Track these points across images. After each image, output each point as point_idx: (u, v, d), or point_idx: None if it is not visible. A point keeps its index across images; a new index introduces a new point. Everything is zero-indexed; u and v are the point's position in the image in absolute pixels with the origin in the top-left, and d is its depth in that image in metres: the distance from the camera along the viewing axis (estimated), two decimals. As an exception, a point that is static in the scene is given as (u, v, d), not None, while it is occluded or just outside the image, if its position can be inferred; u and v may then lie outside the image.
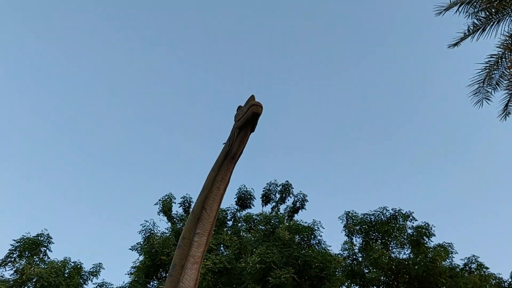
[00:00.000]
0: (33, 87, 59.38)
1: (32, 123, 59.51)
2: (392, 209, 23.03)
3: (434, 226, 22.33)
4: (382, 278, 22.02)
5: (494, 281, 21.85)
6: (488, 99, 19.65)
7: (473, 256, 22.48)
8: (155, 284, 22.10)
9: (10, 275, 21.60)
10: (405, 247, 22.71)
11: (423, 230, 22.09)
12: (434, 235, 22.19)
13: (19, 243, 21.96)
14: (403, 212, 22.83)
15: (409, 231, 22.59)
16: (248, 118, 6.75)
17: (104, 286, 23.39)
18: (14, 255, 21.88)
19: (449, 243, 22.33)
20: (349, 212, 23.76)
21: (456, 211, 55.24)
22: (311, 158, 61.69)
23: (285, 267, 18.72)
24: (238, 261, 21.13)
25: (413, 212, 22.90)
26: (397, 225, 22.82)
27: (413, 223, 22.77)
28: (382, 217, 22.94)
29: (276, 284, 18.00)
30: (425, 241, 21.97)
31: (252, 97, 7.03)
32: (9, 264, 21.75)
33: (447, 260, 22.10)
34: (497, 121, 20.39)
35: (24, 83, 58.47)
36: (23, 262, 21.75)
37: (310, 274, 19.87)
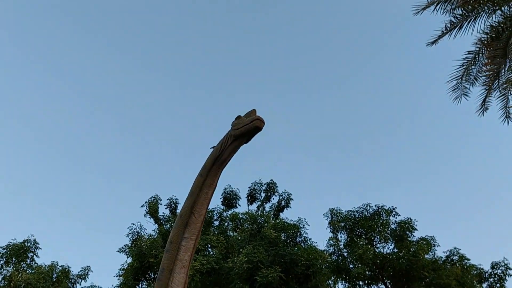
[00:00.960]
0: (14, 89, 58.59)
1: (14, 127, 58.74)
2: (375, 205, 23.55)
3: (417, 221, 22.93)
4: (367, 273, 22.49)
5: (476, 272, 22.48)
6: (466, 95, 20.16)
7: (455, 248, 23.08)
8: (144, 286, 22.21)
9: (-2, 282, 21.52)
10: (389, 241, 23.23)
11: (406, 225, 22.63)
12: (417, 230, 22.78)
13: (5, 250, 21.86)
14: (386, 208, 23.35)
15: (393, 226, 23.11)
16: (248, 130, 6.90)
17: (93, 289, 23.46)
18: (1, 262, 21.77)
19: (431, 237, 22.91)
20: (333, 209, 24.19)
21: (438, 205, 56.35)
22: (295, 157, 62.20)
23: (272, 266, 19.03)
24: (225, 261, 21.37)
25: (396, 207, 23.46)
26: (380, 221, 23.32)
27: (396, 218, 23.32)
28: (366, 213, 23.43)
29: (264, 283, 18.30)
30: (408, 236, 22.51)
31: (254, 111, 7.21)
32: (-4, 271, 21.66)
33: (430, 253, 22.68)
34: (475, 116, 20.97)
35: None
36: (10, 269, 21.66)
37: (297, 272, 20.21)
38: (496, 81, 19.33)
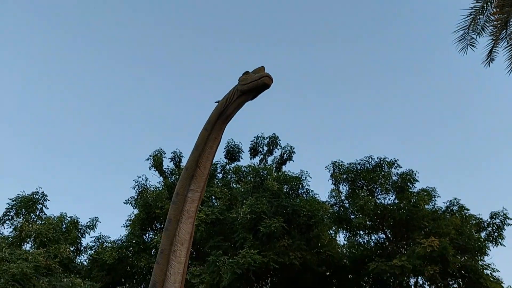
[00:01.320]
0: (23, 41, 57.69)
1: (22, 77, 58.30)
2: (377, 158, 23.74)
3: (418, 173, 23.16)
4: (368, 223, 23.02)
5: (474, 221, 22.95)
6: (473, 46, 19.82)
7: (455, 199, 23.44)
8: (151, 236, 22.93)
9: (9, 233, 22.25)
10: (390, 193, 23.61)
11: (407, 176, 22.90)
12: (418, 181, 23.07)
13: (15, 202, 22.42)
14: (388, 160, 23.55)
15: (394, 178, 23.39)
16: (256, 86, 6.91)
17: (102, 239, 24.24)
18: (11, 213, 22.41)
19: (432, 188, 23.24)
20: (335, 161, 24.42)
21: (440, 156, 56.72)
22: (297, 110, 62.02)
23: (274, 217, 19.53)
24: (229, 212, 21.92)
25: (397, 160, 23.66)
26: (382, 173, 23.59)
27: (397, 170, 23.55)
28: (368, 165, 23.65)
29: (267, 232, 18.85)
30: (409, 187, 22.84)
31: (262, 68, 7.17)
32: (7, 222, 22.34)
33: (430, 204, 23.09)
34: (480, 67, 20.68)
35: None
36: (21, 219, 22.33)
37: (299, 222, 20.75)
38: (504, 31, 18.91)
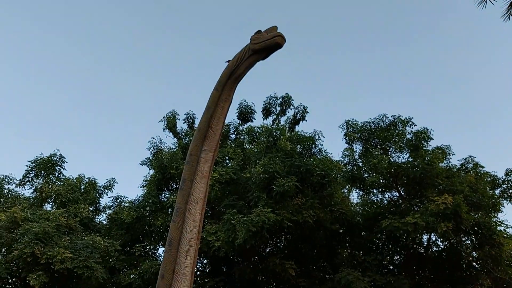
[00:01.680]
0: None
1: (39, 36, 58.15)
2: (391, 116, 23.46)
3: (433, 130, 22.90)
4: (381, 181, 23.08)
5: (489, 178, 22.83)
6: (493, -1, 19.02)
7: (470, 156, 23.22)
8: (167, 195, 23.41)
9: (30, 194, 22.96)
10: (404, 151, 23.50)
11: (422, 134, 22.67)
12: (433, 139, 22.82)
13: (34, 164, 22.96)
14: (403, 119, 23.28)
15: (408, 136, 23.20)
16: (268, 45, 6.81)
17: (119, 199, 24.87)
18: (31, 175, 23.01)
19: (447, 146, 23.03)
20: (349, 120, 24.24)
21: (455, 114, 55.90)
22: (310, 69, 61.12)
23: (288, 176, 19.68)
24: (243, 172, 22.15)
25: (412, 118, 23.35)
26: (396, 131, 23.40)
27: (412, 128, 23.30)
28: (382, 124, 23.43)
29: (280, 191, 19.07)
30: (423, 145, 22.65)
31: (275, 27, 7.03)
32: (28, 183, 22.99)
33: (444, 162, 22.97)
34: (499, 22, 19.95)
35: None
36: (40, 181, 22.95)
37: (312, 181, 20.91)
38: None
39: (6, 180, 22.50)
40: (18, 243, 17.28)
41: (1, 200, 21.53)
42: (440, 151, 22.49)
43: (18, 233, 17.91)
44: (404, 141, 23.24)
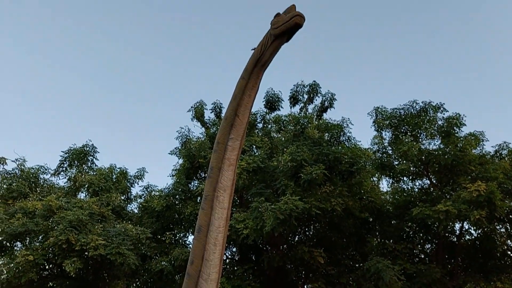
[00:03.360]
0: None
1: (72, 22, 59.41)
2: (422, 102, 22.88)
3: (466, 116, 22.25)
4: (411, 169, 22.67)
5: (525, 165, 22.07)
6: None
7: (505, 142, 22.51)
8: (196, 184, 23.73)
9: (64, 183, 23.72)
10: (435, 138, 22.96)
11: (454, 120, 22.07)
12: (465, 125, 22.15)
13: (67, 154, 23.67)
14: (434, 104, 22.69)
15: (440, 122, 22.62)
16: (288, 28, 6.69)
17: (150, 188, 25.38)
18: (65, 165, 23.75)
19: (480, 132, 22.37)
20: (378, 107, 23.78)
21: (489, 100, 54.07)
22: (337, 55, 60.19)
23: (315, 164, 19.56)
24: (270, 160, 22.15)
25: (444, 103, 22.71)
26: (427, 117, 22.85)
27: (443, 114, 22.69)
28: (412, 110, 22.90)
29: (308, 179, 18.99)
30: (455, 131, 22.06)
31: (293, 6, 6.91)
32: (62, 173, 23.75)
33: (478, 148, 22.35)
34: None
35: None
36: (74, 170, 23.66)
37: (341, 169, 20.73)
38: None
39: (41, 170, 23.30)
40: (53, 231, 17.91)
41: (37, 189, 22.32)
42: (473, 138, 21.88)
43: (53, 221, 18.55)
44: (436, 128, 22.69)
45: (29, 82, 59.73)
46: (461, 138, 21.73)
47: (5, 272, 18.62)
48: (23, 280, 17.42)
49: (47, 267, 19.91)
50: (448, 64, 58.06)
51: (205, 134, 25.41)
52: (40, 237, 18.74)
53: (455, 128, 21.97)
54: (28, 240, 19.24)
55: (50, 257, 18.60)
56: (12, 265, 17.77)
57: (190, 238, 24.24)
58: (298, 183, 19.64)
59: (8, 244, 19.45)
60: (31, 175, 22.52)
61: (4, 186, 21.31)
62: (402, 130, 23.24)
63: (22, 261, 17.10)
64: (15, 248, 19.65)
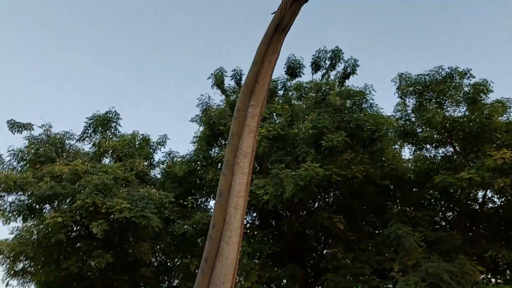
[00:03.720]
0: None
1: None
2: (448, 68, 22.20)
3: (493, 82, 21.56)
4: (435, 136, 22.30)
5: (554, 133, 21.43)
6: None
7: (533, 110, 21.84)
8: (216, 151, 23.99)
9: (89, 148, 24.28)
10: (461, 105, 22.41)
11: (481, 87, 21.43)
12: (492, 91, 21.47)
13: (91, 120, 24.10)
14: (460, 70, 22.01)
15: (466, 89, 22.00)
16: None
17: (172, 154, 25.78)
18: (89, 131, 24.22)
19: (507, 99, 21.70)
20: (402, 74, 23.20)
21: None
22: (360, 19, 58.51)
23: (337, 131, 19.44)
24: (291, 128, 22.10)
25: (470, 69, 22.02)
26: (453, 84, 22.24)
27: (470, 80, 22.03)
28: (438, 76, 22.25)
29: (329, 147, 18.93)
30: (482, 98, 21.47)
31: None
32: (86, 139, 24.27)
33: (504, 115, 21.76)
34: None
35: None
36: (98, 136, 24.14)
37: (362, 136, 20.57)
38: None
39: (67, 136, 23.81)
40: (80, 194, 18.50)
41: (64, 154, 22.90)
42: (500, 104, 21.26)
43: (80, 184, 19.13)
44: (461, 94, 22.08)
45: (53, 52, 60.34)
46: (488, 105, 21.16)
47: (35, 233, 19.43)
48: (52, 240, 18.19)
49: (75, 228, 20.70)
50: (476, 29, 55.87)
51: (225, 102, 25.42)
52: (68, 200, 19.38)
53: (481, 94, 21.37)
54: (56, 203, 19.93)
55: (78, 219, 19.30)
56: (42, 226, 18.53)
57: (212, 203, 24.74)
58: (319, 151, 19.62)
59: (37, 206, 20.23)
60: (57, 141, 23.07)
61: (32, 151, 21.92)
62: (427, 97, 22.72)
63: (51, 223, 17.81)
64: (44, 210, 20.42)
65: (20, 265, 20.81)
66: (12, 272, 20.74)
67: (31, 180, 19.46)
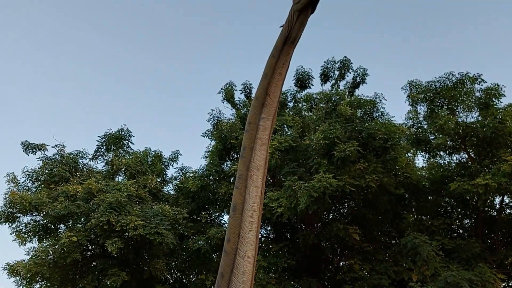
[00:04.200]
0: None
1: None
2: (458, 74, 22.04)
3: (505, 87, 21.33)
4: (448, 143, 22.07)
5: None
6: None
7: (547, 113, 21.51)
8: (229, 165, 24.00)
9: (102, 167, 24.47)
10: (473, 110, 22.19)
11: (492, 91, 21.22)
12: (505, 96, 21.22)
13: (104, 139, 24.34)
14: (471, 76, 21.85)
15: (477, 94, 21.80)
16: (309, 0, 6.62)
17: (184, 169, 25.85)
18: (102, 149, 24.44)
19: (521, 103, 21.47)
20: (412, 81, 23.07)
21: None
22: (367, 29, 58.56)
23: (349, 141, 19.35)
24: (302, 139, 22.06)
25: (481, 74, 21.83)
26: (464, 89, 22.06)
27: (481, 85, 21.83)
28: (448, 82, 22.10)
29: (341, 157, 18.83)
30: (494, 103, 21.25)
31: None
32: (99, 157, 24.49)
33: (518, 120, 21.48)
34: None
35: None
36: (111, 155, 24.35)
37: (375, 145, 20.43)
38: None
39: (80, 155, 24.07)
40: (94, 213, 18.60)
41: (77, 173, 23.13)
42: (512, 109, 21.02)
43: (94, 203, 19.25)
44: (473, 100, 21.87)
45: (64, 69, 61.33)
46: (500, 110, 20.90)
47: (51, 253, 19.53)
48: (68, 260, 18.26)
49: (90, 247, 20.78)
50: (486, 33, 55.54)
51: (235, 115, 25.51)
52: (82, 219, 19.52)
53: (493, 99, 21.13)
54: (71, 222, 20.07)
55: (93, 238, 19.38)
56: (57, 246, 18.63)
57: (225, 217, 24.67)
58: (331, 161, 19.52)
59: (52, 226, 20.39)
60: (70, 160, 23.32)
61: (46, 171, 22.17)
62: (438, 104, 22.55)
63: (67, 242, 17.91)
64: (59, 230, 20.56)
65: (37, 286, 20.90)
66: (29, 293, 20.83)
67: (46, 201, 19.65)
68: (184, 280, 24.30)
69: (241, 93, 26.64)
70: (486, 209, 21.93)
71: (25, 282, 20.41)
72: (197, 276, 22.15)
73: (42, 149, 23.00)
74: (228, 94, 26.26)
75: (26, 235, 20.56)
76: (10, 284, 20.60)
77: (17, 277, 20.18)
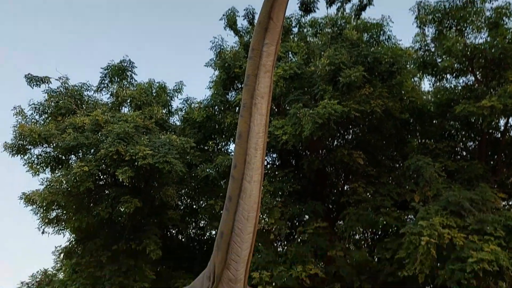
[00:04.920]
0: None
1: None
2: (469, -7, 21.12)
3: (517, 5, 20.49)
4: (455, 65, 21.67)
5: None
6: None
7: None
8: (233, 94, 23.92)
9: (107, 99, 24.51)
10: (482, 31, 21.54)
11: (504, 10, 20.43)
12: (516, 15, 20.54)
13: (107, 70, 24.10)
14: (482, -4, 20.90)
15: (488, 13, 21.03)
16: None
17: (189, 100, 25.85)
18: (106, 81, 24.31)
19: (533, 22, 20.72)
20: (420, 1, 22.14)
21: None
22: None
23: (354, 66, 19.06)
24: (307, 66, 21.73)
25: None
26: (474, 9, 21.24)
27: (492, 4, 20.97)
28: (458, 2, 21.22)
29: (346, 82, 18.67)
30: (504, 22, 20.55)
31: None
32: (104, 89, 24.42)
33: (529, 40, 20.86)
34: None
35: None
36: (115, 86, 24.26)
37: (380, 70, 20.16)
38: None
39: (84, 87, 23.97)
40: (103, 143, 18.96)
41: (83, 105, 23.22)
42: (524, 28, 20.35)
43: (102, 134, 19.56)
44: (483, 20, 21.15)
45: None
46: (511, 29, 20.28)
47: (64, 182, 20.17)
48: (81, 189, 18.93)
49: (102, 177, 21.40)
50: None
51: (239, 43, 24.94)
52: (92, 150, 19.90)
53: (504, 18, 20.43)
54: (81, 153, 20.50)
55: (103, 168, 19.90)
56: (70, 175, 19.22)
57: (232, 146, 25.03)
58: (337, 87, 19.39)
59: (63, 157, 20.89)
60: (75, 92, 23.28)
61: (52, 104, 22.26)
62: (446, 25, 21.84)
63: (79, 172, 18.44)
64: (70, 161, 21.08)
65: (53, 214, 21.80)
66: (46, 220, 21.79)
67: (55, 132, 19.95)
68: (194, 206, 25.28)
69: (244, 19, 25.76)
70: (490, 131, 22.05)
71: (42, 210, 21.29)
72: (207, 201, 22.99)
73: (46, 81, 22.89)
74: (230, 21, 25.42)
75: (39, 166, 21.12)
76: (27, 212, 21.45)
77: (34, 206, 21.03)
